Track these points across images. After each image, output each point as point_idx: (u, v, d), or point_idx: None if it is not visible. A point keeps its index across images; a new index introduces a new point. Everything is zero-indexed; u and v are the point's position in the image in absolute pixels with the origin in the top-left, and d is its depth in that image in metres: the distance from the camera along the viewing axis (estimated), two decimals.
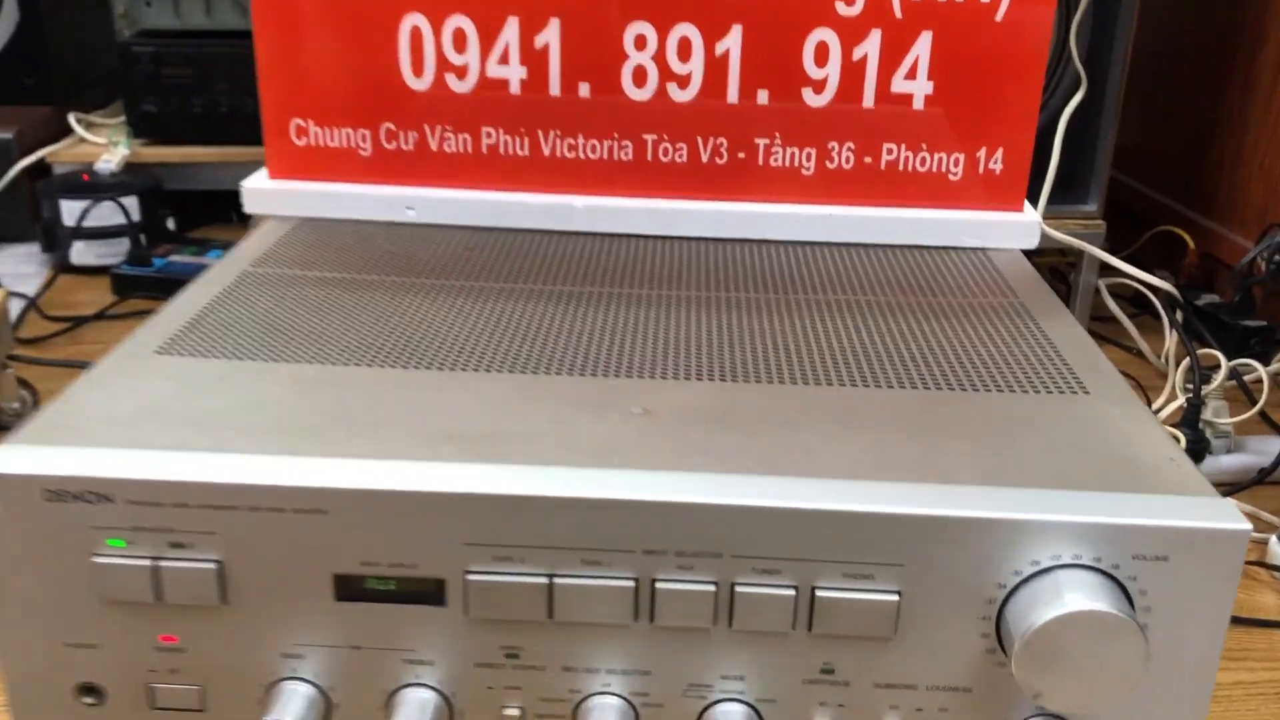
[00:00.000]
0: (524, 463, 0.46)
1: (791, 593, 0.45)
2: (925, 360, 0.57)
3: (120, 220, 1.34)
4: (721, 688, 0.47)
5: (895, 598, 0.44)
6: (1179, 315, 1.26)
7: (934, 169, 0.73)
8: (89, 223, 1.33)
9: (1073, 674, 0.42)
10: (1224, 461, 1.10)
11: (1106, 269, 1.43)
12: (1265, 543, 0.98)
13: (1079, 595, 0.42)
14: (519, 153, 0.74)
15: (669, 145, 0.73)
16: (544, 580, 0.45)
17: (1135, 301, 1.39)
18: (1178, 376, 1.16)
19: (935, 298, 0.65)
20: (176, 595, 0.46)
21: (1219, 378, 1.15)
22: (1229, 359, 1.11)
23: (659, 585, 0.45)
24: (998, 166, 0.73)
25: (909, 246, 0.73)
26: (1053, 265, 1.50)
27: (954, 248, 0.73)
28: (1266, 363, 1.18)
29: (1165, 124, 1.62)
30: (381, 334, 0.58)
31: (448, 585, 0.45)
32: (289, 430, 0.48)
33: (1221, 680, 0.84)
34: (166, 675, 0.48)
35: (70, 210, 1.33)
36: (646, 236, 0.74)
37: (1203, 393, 1.13)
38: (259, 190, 0.75)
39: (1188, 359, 1.17)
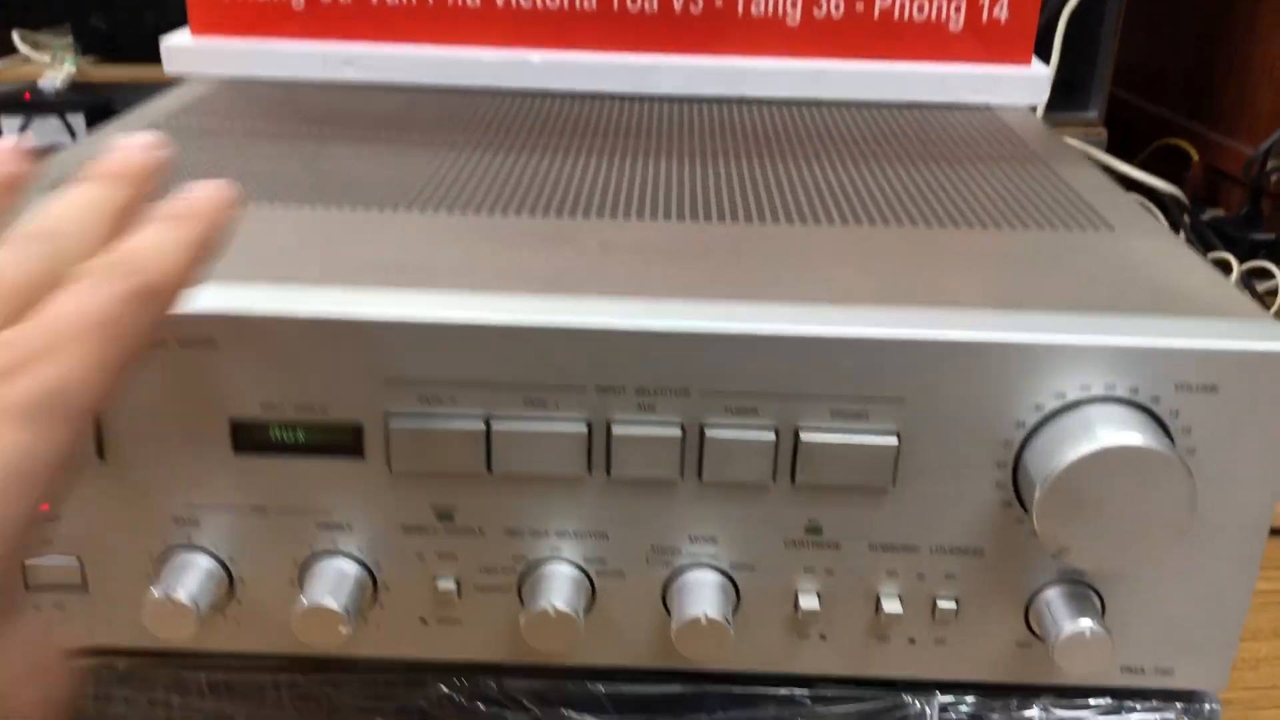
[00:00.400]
0: (455, 289, 0.39)
1: (771, 436, 0.38)
2: (927, 200, 0.50)
3: (65, 139, 1.27)
4: (690, 552, 0.40)
5: (893, 440, 0.37)
6: (1186, 219, 1.19)
7: (932, 18, 0.65)
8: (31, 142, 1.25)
9: (1106, 524, 0.36)
10: None
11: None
12: None
13: (1113, 430, 0.35)
14: (469, 2, 0.66)
15: None
16: (480, 425, 0.38)
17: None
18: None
19: (935, 147, 0.58)
20: None
21: (1232, 281, 1.09)
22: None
23: (616, 429, 0.38)
24: (1002, 15, 0.65)
25: (906, 104, 0.66)
26: None
27: (956, 105, 0.66)
28: None
29: (1170, 34, 1.54)
30: (307, 177, 0.51)
31: (366, 433, 0.38)
32: None
33: None
34: (39, 548, 0.40)
35: (10, 127, 1.25)
36: (611, 95, 0.66)
37: None
38: (180, 48, 0.67)
39: None
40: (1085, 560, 0.36)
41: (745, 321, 0.37)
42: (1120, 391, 0.36)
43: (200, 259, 0.32)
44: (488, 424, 0.38)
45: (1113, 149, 1.30)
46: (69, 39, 1.43)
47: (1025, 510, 0.37)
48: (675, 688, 0.42)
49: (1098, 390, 0.36)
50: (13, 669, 0.27)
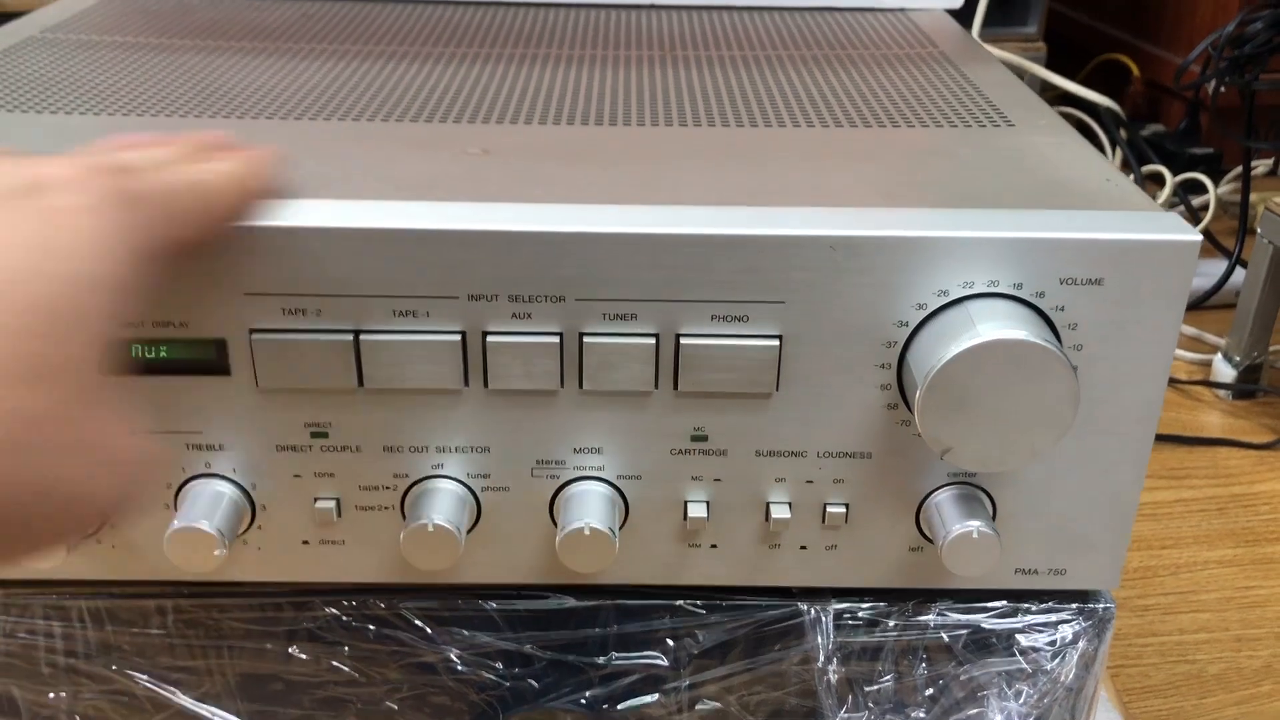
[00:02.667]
0: (321, 197, 0.37)
1: (651, 341, 0.36)
2: (826, 101, 0.48)
3: None
4: (576, 464, 0.39)
5: (775, 343, 0.36)
6: (1123, 135, 1.18)
7: None
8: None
9: (987, 422, 0.35)
10: None
11: (1048, 99, 1.35)
12: (1209, 364, 0.92)
13: (994, 324, 0.34)
14: None
15: None
16: (348, 337, 0.36)
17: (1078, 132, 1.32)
18: None
19: (842, 50, 0.57)
20: None
21: (1164, 194, 1.08)
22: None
23: (490, 339, 0.36)
24: None
25: (818, 9, 0.64)
26: None
27: (869, 9, 0.64)
28: (1216, 186, 1.12)
29: None
30: (181, 89, 0.48)
31: (230, 348, 0.37)
32: None
33: (1163, 499, 0.79)
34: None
35: None
36: (510, 3, 0.64)
37: None
38: None
39: (1131, 178, 1.10)
40: (969, 460, 0.36)
41: (620, 224, 0.35)
42: (1004, 287, 0.36)
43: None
44: (356, 337, 0.36)
45: (1054, 65, 1.28)
46: None
47: (911, 411, 0.36)
48: (569, 602, 0.42)
49: (981, 286, 0.36)
50: (91, 452, 0.27)
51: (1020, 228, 0.35)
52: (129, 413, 0.28)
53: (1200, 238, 0.35)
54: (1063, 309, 0.36)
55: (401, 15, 0.62)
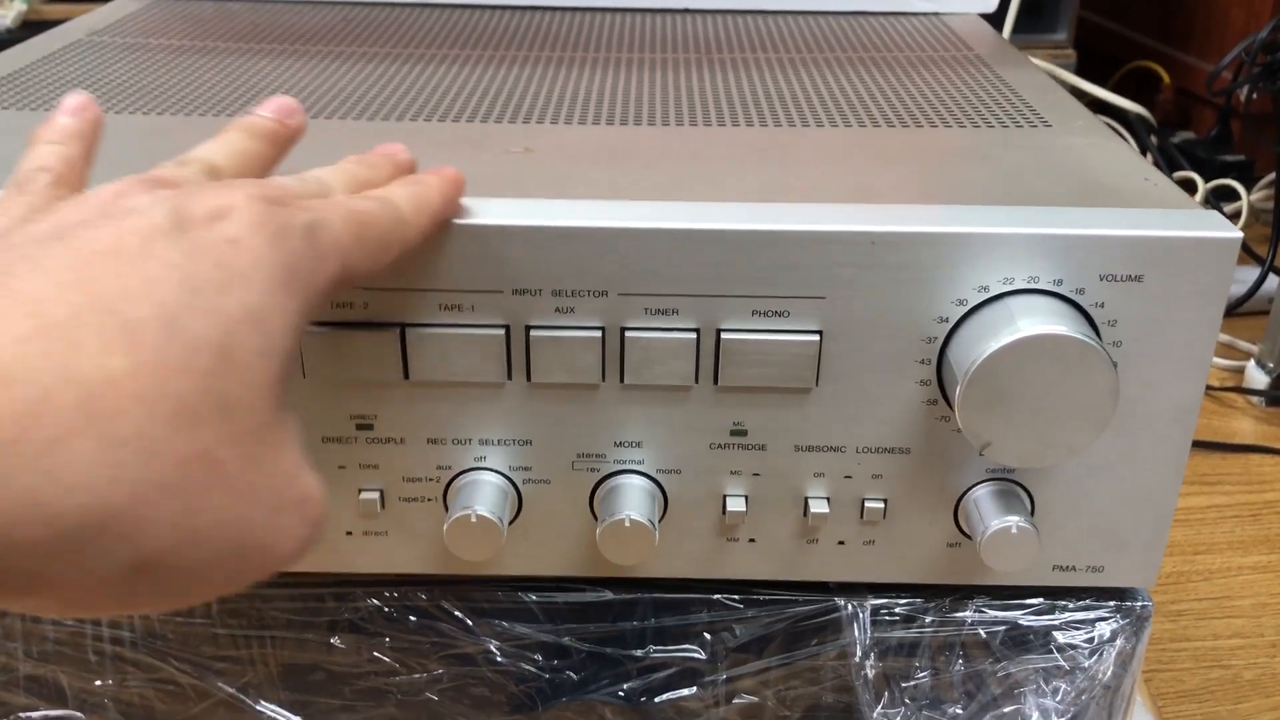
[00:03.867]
0: None
1: (692, 336, 0.37)
2: (864, 102, 0.49)
3: None
4: (616, 457, 0.39)
5: (815, 338, 0.37)
6: (1153, 141, 1.18)
7: None
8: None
9: (1028, 416, 0.35)
10: None
11: None
12: (1242, 370, 0.92)
13: (1034, 320, 0.34)
14: None
15: None
16: (395, 331, 0.37)
17: None
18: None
19: (879, 53, 0.57)
20: None
21: (1196, 201, 1.08)
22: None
23: (534, 333, 0.37)
24: None
25: (853, 13, 0.65)
26: None
27: (903, 13, 0.65)
28: (1248, 193, 1.11)
29: None
30: (226, 90, 0.49)
31: None
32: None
33: (1196, 504, 0.78)
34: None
35: None
36: (552, 8, 0.65)
37: None
38: None
39: None
40: (1008, 455, 0.36)
41: (662, 219, 0.36)
42: (1044, 284, 0.36)
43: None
44: (402, 330, 0.37)
45: (1084, 73, 1.28)
46: None
47: (950, 407, 0.37)
48: (607, 595, 0.42)
49: (1021, 283, 0.36)
50: (273, 493, 0.26)
51: (1060, 224, 0.35)
52: (304, 450, 0.27)
53: (1241, 235, 0.35)
54: (1102, 305, 0.36)
55: (439, 19, 0.63)
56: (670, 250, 0.36)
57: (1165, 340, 0.37)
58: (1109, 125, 1.26)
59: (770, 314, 0.37)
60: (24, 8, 1.35)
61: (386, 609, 0.42)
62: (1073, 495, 0.39)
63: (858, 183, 0.40)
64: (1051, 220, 0.36)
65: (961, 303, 0.36)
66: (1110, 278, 0.36)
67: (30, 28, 1.35)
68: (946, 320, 0.36)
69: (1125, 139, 1.22)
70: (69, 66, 0.52)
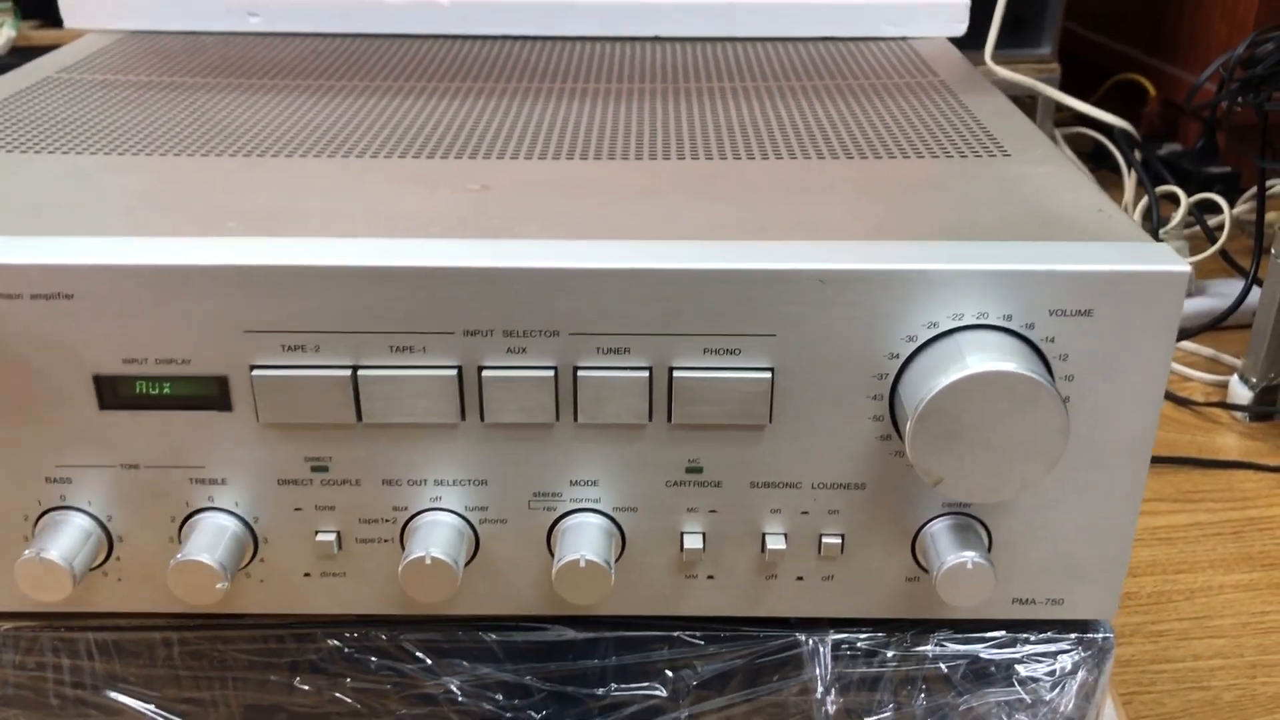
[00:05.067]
0: (320, 235, 0.38)
1: (644, 374, 0.37)
2: (824, 132, 0.49)
3: None
4: (572, 496, 0.39)
5: (768, 375, 0.37)
6: (1137, 156, 1.18)
7: None
8: None
9: (979, 453, 0.35)
10: (1184, 305, 1.03)
11: (1063, 120, 1.35)
12: (1225, 385, 0.92)
13: (984, 357, 0.34)
14: None
15: None
16: (346, 372, 0.37)
17: (1094, 157, 1.31)
18: (1136, 218, 1.09)
19: (845, 80, 0.57)
20: None
21: (1178, 215, 1.08)
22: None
23: (486, 373, 0.37)
24: None
25: (822, 39, 0.65)
26: None
27: (873, 38, 0.65)
28: (1232, 206, 1.11)
29: None
30: (191, 126, 0.49)
31: (231, 384, 0.37)
32: (41, 211, 0.40)
33: (1178, 522, 0.78)
34: None
35: None
36: (523, 37, 0.65)
37: (1161, 232, 1.06)
38: (79, 1, 0.66)
39: (1146, 199, 1.09)
40: (961, 491, 0.36)
41: (613, 259, 0.36)
42: (994, 319, 0.36)
43: None
44: (354, 372, 0.37)
45: (1070, 85, 1.28)
46: (9, 3, 1.41)
47: (903, 440, 0.37)
48: (568, 633, 0.42)
49: (970, 318, 0.36)
50: None
51: (1009, 260, 0.35)
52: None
53: (1189, 268, 0.35)
54: (1053, 340, 0.36)
55: (409, 50, 0.63)
56: (621, 290, 0.36)
57: (1117, 373, 0.36)
58: (1094, 140, 1.26)
59: (722, 351, 0.37)
60: (13, 34, 1.35)
61: (347, 649, 0.42)
62: (1030, 528, 0.39)
63: (812, 218, 0.40)
64: (1000, 256, 0.36)
65: (912, 339, 0.36)
66: (1060, 312, 0.36)
67: (20, 54, 1.36)
68: (897, 356, 0.36)
69: (1111, 154, 1.22)
70: (34, 105, 0.52)
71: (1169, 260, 0.35)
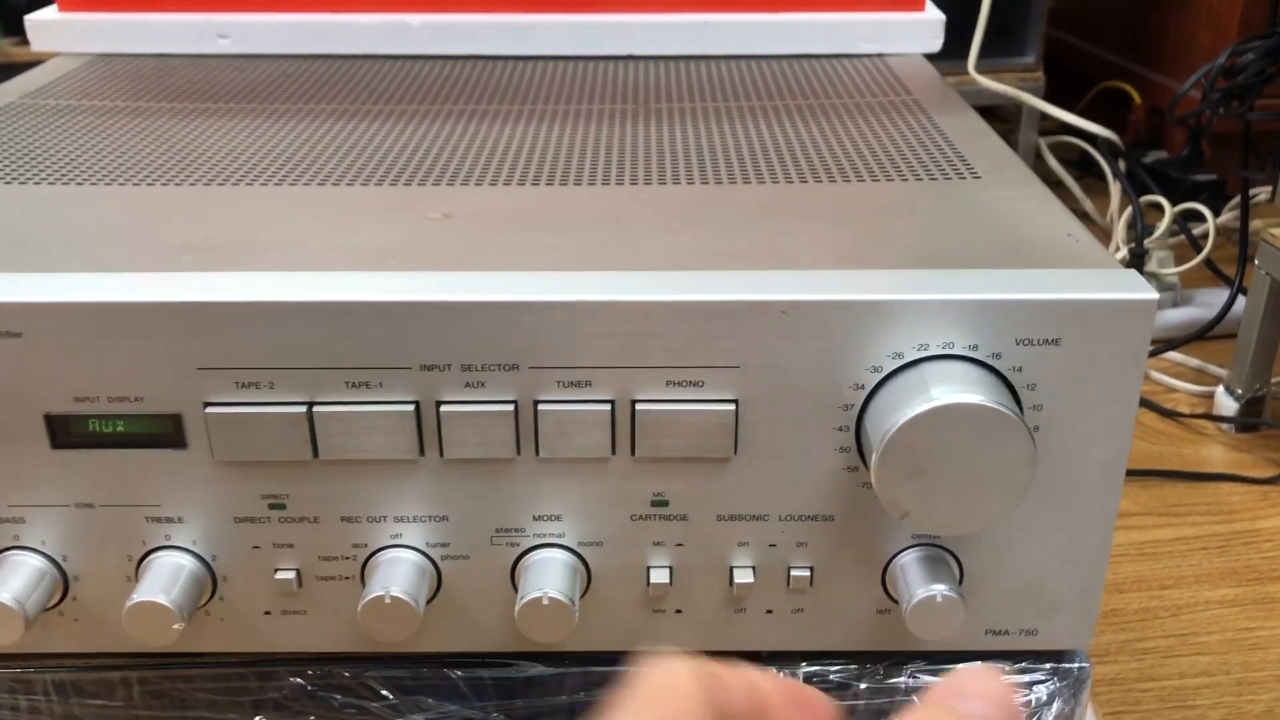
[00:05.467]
0: (275, 269, 0.37)
1: (606, 408, 0.36)
2: (794, 154, 0.48)
3: None
4: (536, 531, 0.39)
5: (731, 407, 0.36)
6: (1121, 165, 1.18)
7: None
8: None
9: (946, 485, 0.34)
10: (1170, 315, 1.03)
11: (1047, 129, 1.35)
12: (1211, 396, 0.91)
13: (948, 388, 0.34)
14: None
15: None
16: (302, 409, 0.36)
17: (1079, 165, 1.31)
18: (1120, 228, 1.09)
19: (816, 100, 0.57)
20: None
21: (1163, 224, 1.08)
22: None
23: (444, 409, 0.36)
24: None
25: (797, 56, 0.64)
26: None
27: (847, 55, 0.64)
28: (1217, 214, 1.11)
29: None
30: (152, 154, 0.49)
31: (186, 421, 0.37)
32: None
33: (1163, 537, 0.78)
34: None
35: None
36: (495, 57, 0.64)
37: (1146, 242, 1.06)
38: (46, 23, 0.65)
39: (1130, 209, 1.09)
40: (930, 524, 0.35)
41: (572, 292, 0.35)
42: (959, 349, 0.35)
43: None
44: (309, 408, 0.36)
45: (1055, 91, 1.28)
46: None
47: (869, 472, 0.36)
48: (535, 669, 0.41)
49: (936, 348, 0.35)
50: None
51: (974, 289, 0.35)
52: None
53: (1157, 296, 0.35)
54: (1020, 369, 0.35)
55: (378, 71, 0.63)
56: (581, 322, 0.35)
57: (1087, 401, 0.36)
58: (1080, 148, 1.26)
59: (685, 384, 0.36)
60: None
61: (310, 687, 0.41)
62: (1001, 559, 0.38)
63: (778, 246, 0.39)
64: (967, 285, 0.35)
65: (876, 369, 0.35)
66: (1027, 341, 0.35)
67: (2, 71, 1.35)
68: (862, 387, 0.36)
69: (1096, 163, 1.22)
70: None
71: (1138, 288, 0.35)
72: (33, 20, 0.65)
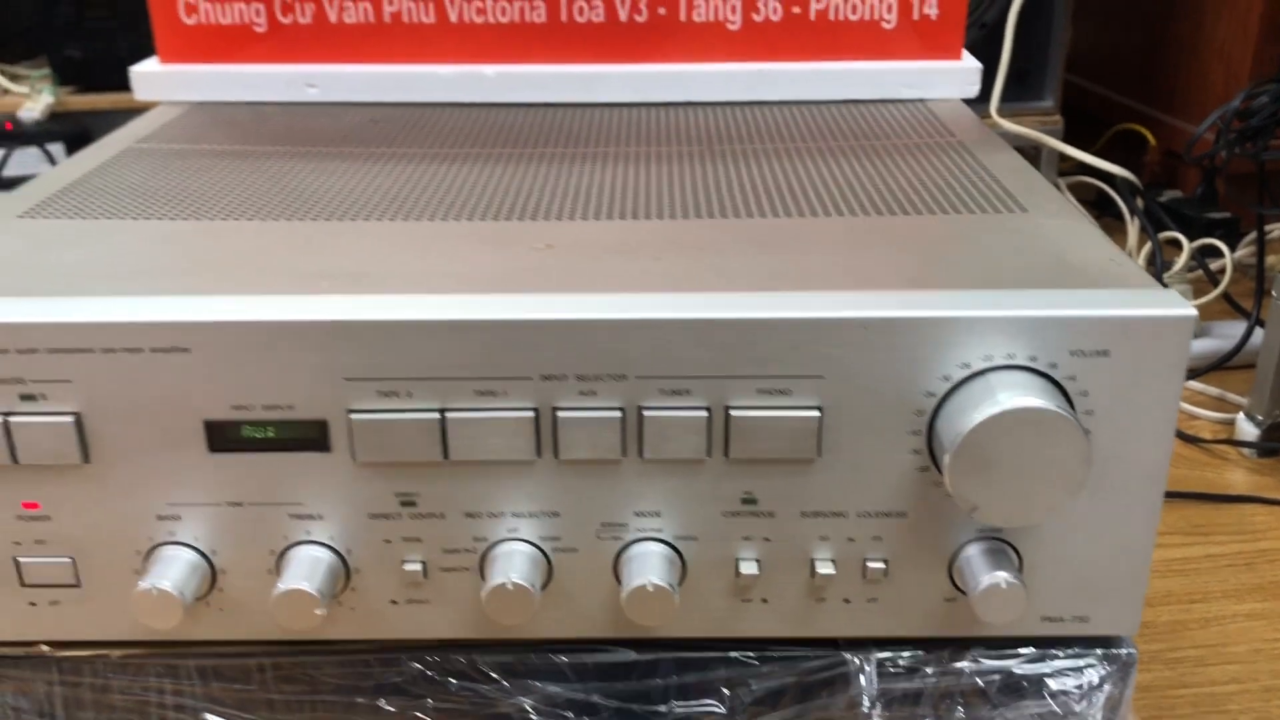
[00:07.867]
0: (404, 292, 0.42)
1: (704, 414, 0.41)
2: (855, 191, 0.53)
3: (46, 169, 1.31)
4: (637, 526, 0.43)
5: (816, 414, 0.41)
6: (1139, 203, 1.22)
7: (866, 17, 0.68)
8: (10, 171, 1.30)
9: (1010, 481, 0.39)
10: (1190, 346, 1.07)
11: (1066, 170, 1.40)
12: (1232, 423, 0.95)
13: (1013, 394, 0.38)
14: (424, 20, 0.69)
15: (584, 3, 0.68)
16: (435, 416, 0.41)
17: (1097, 205, 1.36)
18: (1140, 263, 1.13)
19: (869, 141, 0.62)
20: (33, 455, 0.41)
21: (1181, 259, 1.12)
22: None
23: (560, 414, 0.41)
24: (932, 12, 0.69)
25: (844, 101, 0.69)
26: None
27: (891, 100, 0.69)
28: (1233, 250, 1.15)
29: (1120, 19, 1.58)
30: (270, 193, 0.54)
31: (330, 427, 0.41)
32: (150, 274, 0.44)
33: (1192, 554, 0.81)
34: (33, 547, 0.43)
35: None
36: (564, 104, 0.70)
37: (1165, 276, 1.10)
38: (149, 75, 0.70)
39: (1149, 245, 1.13)
40: (994, 516, 0.40)
41: (672, 311, 0.40)
42: (1020, 360, 0.40)
43: None
44: (442, 415, 0.41)
45: (1073, 134, 1.33)
46: (46, 70, 1.47)
47: (940, 473, 0.40)
48: (631, 654, 0.45)
49: (999, 359, 0.40)
50: None
51: (1033, 307, 0.39)
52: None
53: (1195, 312, 0.39)
54: (1074, 379, 0.40)
55: (457, 118, 0.68)
56: (682, 337, 0.40)
57: (1133, 408, 0.40)
58: (1098, 188, 1.31)
59: (774, 392, 0.41)
60: (51, 100, 1.41)
61: (428, 672, 0.45)
62: (1056, 551, 0.43)
63: (851, 268, 0.44)
64: (1025, 303, 0.40)
65: (947, 379, 0.40)
66: (1079, 353, 0.40)
67: (58, 119, 1.41)
68: (934, 395, 0.40)
69: (1114, 202, 1.27)
70: (120, 175, 0.57)
71: (1177, 305, 0.39)
72: (137, 72, 0.71)
